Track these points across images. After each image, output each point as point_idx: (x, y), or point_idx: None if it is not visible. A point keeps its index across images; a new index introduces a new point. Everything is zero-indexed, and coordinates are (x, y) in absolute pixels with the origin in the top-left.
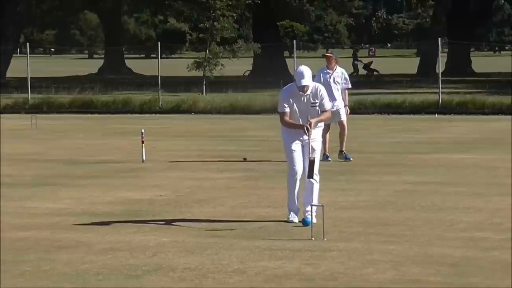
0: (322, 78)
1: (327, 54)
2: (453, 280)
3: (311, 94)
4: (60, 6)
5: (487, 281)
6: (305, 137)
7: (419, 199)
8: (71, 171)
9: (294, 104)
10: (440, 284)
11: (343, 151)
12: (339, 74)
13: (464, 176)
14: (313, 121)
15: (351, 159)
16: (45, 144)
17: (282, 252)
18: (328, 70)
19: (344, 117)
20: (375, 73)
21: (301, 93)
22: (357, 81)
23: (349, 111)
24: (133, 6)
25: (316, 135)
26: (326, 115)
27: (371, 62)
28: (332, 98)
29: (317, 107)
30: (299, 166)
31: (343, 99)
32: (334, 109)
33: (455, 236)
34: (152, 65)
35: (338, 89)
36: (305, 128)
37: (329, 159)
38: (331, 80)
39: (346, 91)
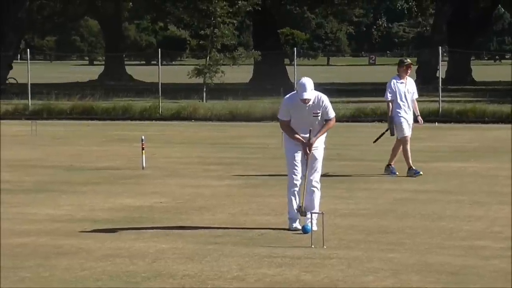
0: (396, 88)
1: (408, 63)
2: None
3: (313, 104)
4: (61, 13)
5: None
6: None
7: (419, 207)
8: (71, 177)
9: (296, 113)
10: None
11: (390, 164)
12: (411, 84)
13: (464, 185)
14: (313, 140)
15: (397, 174)
16: (45, 150)
17: (281, 260)
18: (402, 80)
19: (410, 133)
20: None
21: (303, 103)
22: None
23: (422, 121)
24: (133, 13)
25: (318, 143)
26: (330, 124)
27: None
28: (408, 109)
29: (319, 117)
30: (299, 174)
31: (414, 109)
32: (410, 122)
33: (455, 244)
34: (153, 71)
35: (410, 100)
36: (305, 150)
37: (420, 173)
38: (406, 91)
39: (415, 101)
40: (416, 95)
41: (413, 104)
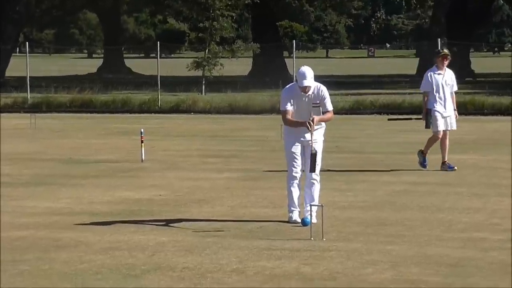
0: (433, 80)
1: (444, 53)
2: (452, 280)
3: (312, 95)
4: (59, 6)
5: (485, 281)
6: (307, 136)
7: (418, 199)
8: (70, 170)
9: (296, 104)
10: (439, 284)
11: (445, 161)
12: (449, 76)
13: (463, 177)
14: (316, 117)
15: (455, 168)
16: (44, 144)
17: (281, 252)
18: (439, 71)
19: (454, 126)
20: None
21: (302, 93)
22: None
23: (457, 115)
24: (132, 6)
25: (317, 136)
26: (329, 115)
27: None
28: (444, 102)
29: (319, 107)
30: (299, 167)
31: (452, 102)
32: (445, 115)
33: (454, 236)
34: (152, 64)
35: (448, 93)
36: (307, 123)
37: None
38: (444, 83)
39: (454, 93)
40: (455, 88)
41: (451, 97)
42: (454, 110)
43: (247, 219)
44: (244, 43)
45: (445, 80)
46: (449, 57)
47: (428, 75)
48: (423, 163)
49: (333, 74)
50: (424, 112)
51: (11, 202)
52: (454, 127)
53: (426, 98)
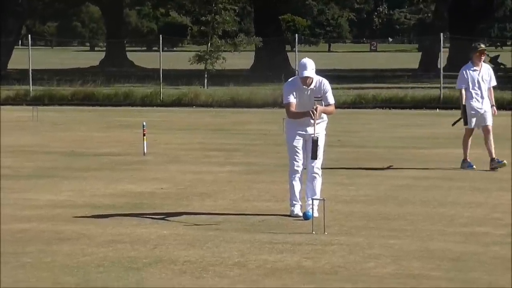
0: (469, 77)
1: (482, 48)
2: (454, 275)
3: (314, 88)
4: None
5: (487, 276)
6: (309, 130)
7: (420, 194)
8: (72, 163)
9: (298, 97)
10: (440, 278)
11: (494, 158)
12: (486, 71)
13: (465, 171)
14: (319, 107)
15: (505, 162)
16: (46, 136)
17: (282, 246)
18: (475, 67)
19: (490, 122)
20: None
21: (304, 86)
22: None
23: (496, 111)
24: None
25: (319, 129)
26: (331, 108)
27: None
28: (481, 98)
29: (321, 101)
30: (300, 161)
31: (489, 98)
32: (482, 111)
33: (455, 231)
34: (154, 58)
35: (485, 89)
36: (311, 112)
37: (474, 167)
38: (480, 78)
39: (492, 89)
40: (493, 83)
41: (488, 92)
42: (492, 105)
43: (249, 213)
44: (247, 36)
45: (481, 75)
46: (486, 52)
47: (464, 72)
48: (469, 166)
49: (335, 68)
50: (462, 109)
51: (13, 194)
52: (488, 123)
53: (463, 95)
